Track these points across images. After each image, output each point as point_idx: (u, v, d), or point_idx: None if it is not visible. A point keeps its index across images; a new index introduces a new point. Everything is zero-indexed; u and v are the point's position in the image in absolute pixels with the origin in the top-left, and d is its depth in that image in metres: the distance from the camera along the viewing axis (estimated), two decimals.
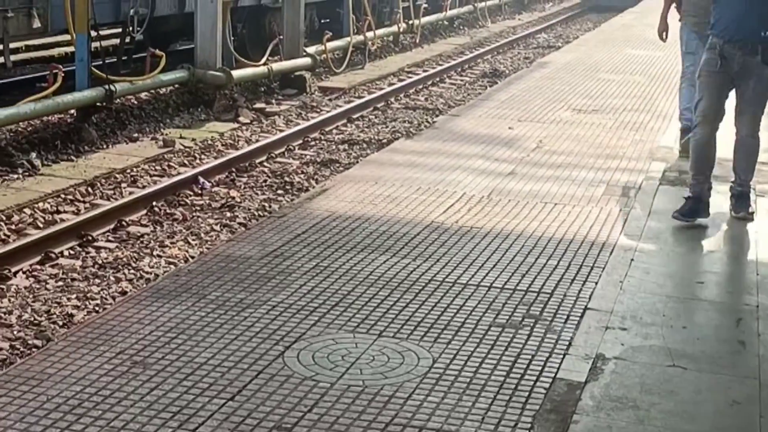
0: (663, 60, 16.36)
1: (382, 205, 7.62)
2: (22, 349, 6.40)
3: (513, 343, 5.24)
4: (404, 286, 5.98)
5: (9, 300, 7.22)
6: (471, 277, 6.18)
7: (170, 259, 8.08)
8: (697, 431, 4.54)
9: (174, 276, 6.03)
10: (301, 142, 12.43)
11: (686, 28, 9.38)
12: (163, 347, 4.97)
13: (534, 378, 4.86)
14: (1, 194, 9.47)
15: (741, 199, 7.56)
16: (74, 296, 7.25)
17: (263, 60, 14.83)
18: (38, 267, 7.94)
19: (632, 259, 6.63)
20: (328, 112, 14.17)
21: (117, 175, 10.47)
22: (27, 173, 10.20)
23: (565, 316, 5.63)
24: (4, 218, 8.88)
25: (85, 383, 4.56)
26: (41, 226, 8.81)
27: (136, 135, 12.06)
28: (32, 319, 6.85)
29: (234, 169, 10.90)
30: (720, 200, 7.68)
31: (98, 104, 11.76)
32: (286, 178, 10.61)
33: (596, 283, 6.16)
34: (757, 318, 5.75)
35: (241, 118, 13.39)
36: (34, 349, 6.34)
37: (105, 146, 11.50)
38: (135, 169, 10.73)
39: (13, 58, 11.83)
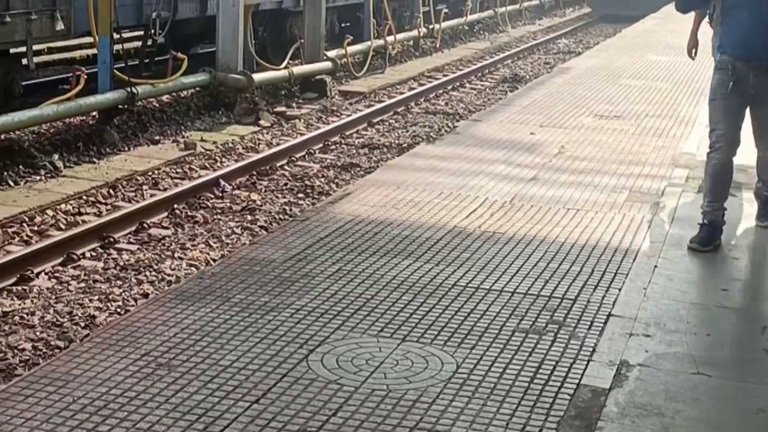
0: (685, 66, 16.29)
1: (404, 210, 7.61)
2: (44, 350, 6.42)
3: (537, 349, 5.23)
4: (427, 290, 5.97)
5: (32, 301, 7.25)
6: (494, 282, 6.16)
7: (191, 262, 8.09)
8: None
9: (198, 278, 6.04)
10: (321, 145, 12.45)
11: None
12: (187, 349, 4.98)
13: (558, 384, 4.84)
14: (23, 195, 9.52)
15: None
16: (96, 298, 7.27)
17: (284, 63, 14.86)
18: (60, 268, 7.97)
19: (656, 266, 6.61)
20: (348, 116, 14.18)
21: (138, 178, 10.50)
22: (49, 175, 10.24)
23: (588, 323, 5.61)
24: (26, 219, 8.92)
25: (110, 384, 4.57)
26: (63, 227, 8.84)
27: (157, 137, 12.10)
28: (54, 320, 6.87)
29: (255, 173, 10.92)
30: (745, 207, 7.64)
31: (120, 106, 11.81)
32: (307, 182, 10.62)
33: (620, 290, 6.14)
34: None
35: (261, 122, 13.42)
36: (56, 350, 6.36)
37: (126, 148, 11.55)
38: (156, 172, 10.76)
39: (35, 60, 11.86)
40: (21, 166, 10.22)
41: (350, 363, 4.95)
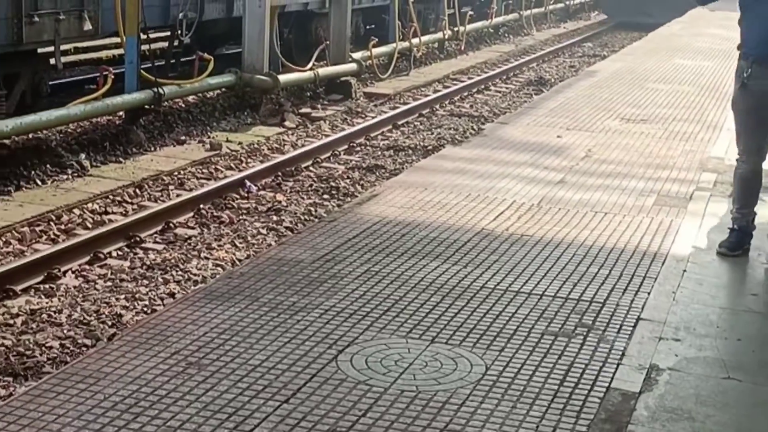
0: (712, 70, 16.25)
1: (431, 212, 7.60)
2: (72, 348, 6.44)
3: (566, 352, 5.21)
4: (456, 292, 5.96)
5: (59, 299, 7.28)
6: (522, 284, 6.15)
7: (217, 262, 8.11)
8: None
9: (227, 278, 6.04)
10: (346, 147, 12.45)
11: None
12: (217, 348, 4.98)
13: (588, 387, 4.82)
14: (51, 194, 9.56)
15: None
16: (123, 297, 7.29)
17: (309, 65, 14.87)
18: (87, 267, 8.00)
19: (684, 270, 6.57)
20: (373, 117, 14.19)
21: (164, 177, 10.53)
22: (76, 174, 10.28)
23: (617, 326, 5.59)
24: (54, 218, 8.96)
25: (141, 383, 4.58)
26: (90, 226, 8.87)
27: (183, 138, 12.13)
28: (82, 318, 6.89)
29: (280, 173, 10.94)
30: None
31: (146, 107, 11.85)
32: (332, 183, 10.62)
33: (648, 294, 6.11)
34: None
35: (287, 123, 13.43)
36: (83, 348, 6.39)
37: (153, 148, 11.58)
38: (182, 172, 10.79)
39: (63, 59, 11.91)
40: (48, 165, 10.26)
41: (379, 364, 4.94)
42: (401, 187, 8.32)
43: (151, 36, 12.26)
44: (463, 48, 21.52)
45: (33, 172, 10.03)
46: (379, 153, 12.24)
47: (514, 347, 5.23)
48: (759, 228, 7.15)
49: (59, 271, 7.75)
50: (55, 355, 6.33)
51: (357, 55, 16.13)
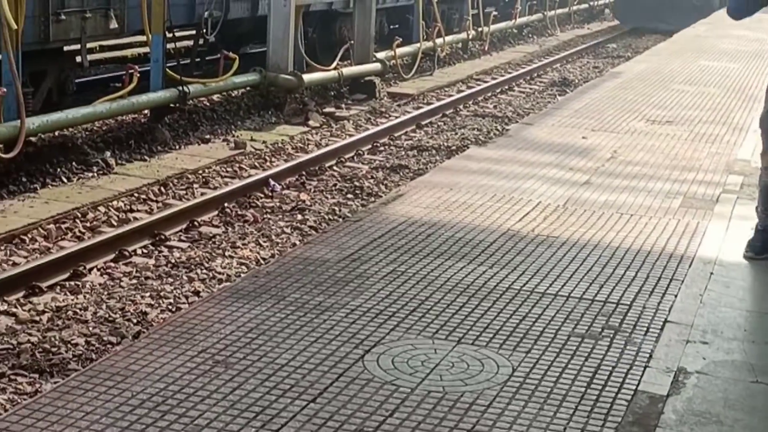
0: (738, 72, 16.16)
1: (457, 212, 7.59)
2: (97, 345, 6.46)
3: (593, 354, 5.18)
4: (482, 293, 5.94)
5: (84, 296, 7.31)
6: (549, 286, 6.12)
7: (242, 261, 8.12)
8: None
9: (252, 277, 6.04)
10: (370, 147, 12.45)
11: None
12: (244, 347, 4.98)
13: (615, 390, 4.80)
14: (76, 192, 9.60)
15: None
16: (148, 294, 7.31)
17: (333, 64, 14.88)
18: (112, 265, 8.03)
19: (711, 273, 6.54)
20: (397, 117, 14.19)
21: (189, 176, 10.56)
22: (101, 172, 10.33)
23: (644, 329, 5.55)
24: (79, 216, 9.00)
25: (168, 381, 4.58)
26: (115, 224, 8.91)
27: (207, 136, 12.17)
28: (107, 315, 6.91)
29: (304, 173, 10.95)
30: None
31: (171, 105, 11.89)
32: (356, 183, 10.63)
33: (675, 296, 6.08)
34: None
35: (311, 122, 13.45)
36: (109, 346, 6.41)
37: (177, 147, 11.62)
38: (207, 170, 10.82)
39: (89, 57, 11.95)
40: (74, 163, 10.31)
41: (406, 364, 4.93)
42: (426, 187, 8.31)
43: (177, 34, 12.29)
44: (486, 48, 21.49)
45: (59, 170, 10.08)
46: (403, 153, 12.23)
47: (540, 349, 5.20)
48: None
49: (84, 268, 7.78)
50: (81, 352, 6.35)
51: (381, 55, 16.13)
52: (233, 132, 12.53)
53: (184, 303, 7.17)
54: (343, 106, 14.80)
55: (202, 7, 13.21)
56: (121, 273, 7.85)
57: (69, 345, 6.43)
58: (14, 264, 7.78)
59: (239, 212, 9.50)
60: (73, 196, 9.46)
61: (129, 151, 11.12)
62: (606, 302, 5.91)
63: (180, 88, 11.75)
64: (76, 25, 10.95)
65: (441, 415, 4.45)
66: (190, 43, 14.46)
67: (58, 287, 7.48)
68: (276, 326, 5.27)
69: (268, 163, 11.37)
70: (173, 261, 8.08)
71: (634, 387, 4.83)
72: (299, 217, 9.31)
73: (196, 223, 9.08)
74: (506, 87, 17.71)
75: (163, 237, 8.63)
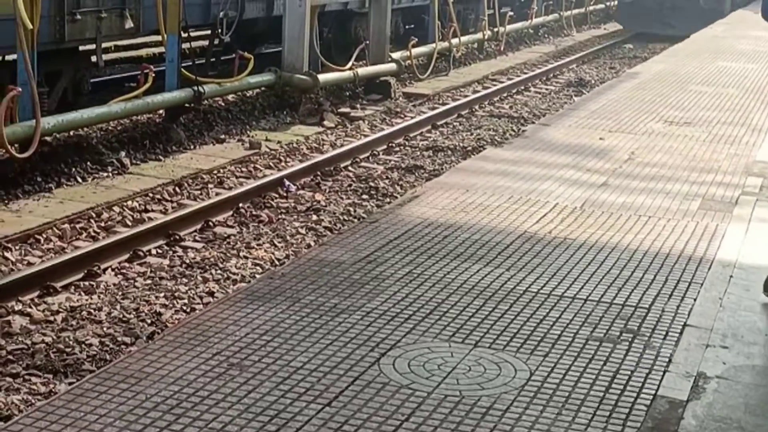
0: (757, 73, 16.06)
1: (473, 213, 7.53)
2: (111, 345, 6.43)
3: (611, 358, 5.12)
4: (499, 296, 5.88)
5: (98, 296, 7.28)
6: (566, 289, 6.06)
7: (257, 261, 8.08)
8: None
9: (268, 279, 6.00)
10: (385, 147, 12.41)
11: None
12: (259, 350, 4.94)
13: (634, 394, 4.74)
14: (91, 192, 9.58)
15: None
16: (162, 295, 7.28)
17: (349, 65, 14.84)
18: (127, 265, 8.00)
19: (731, 276, 6.46)
20: (412, 118, 14.14)
21: (204, 176, 10.53)
22: (116, 172, 10.31)
23: (663, 332, 5.49)
24: (94, 216, 8.98)
25: (182, 383, 4.54)
26: (130, 224, 8.88)
27: (222, 136, 12.14)
28: (121, 316, 6.88)
29: (319, 173, 10.91)
30: None
31: (186, 105, 11.86)
32: (371, 183, 10.58)
33: (695, 300, 6.01)
34: None
35: (326, 122, 13.41)
36: (123, 346, 6.38)
37: (192, 147, 11.59)
38: (221, 171, 10.79)
39: (104, 57, 11.94)
40: (89, 163, 10.29)
41: (422, 368, 4.88)
42: (442, 188, 8.25)
43: (192, 35, 12.26)
44: (502, 48, 21.42)
45: (74, 170, 10.06)
46: (418, 153, 12.18)
47: (558, 352, 5.15)
48: None
49: (99, 268, 7.75)
50: (95, 352, 6.32)
51: (396, 55, 16.09)
52: (248, 132, 12.49)
53: (198, 304, 7.13)
54: (358, 106, 14.76)
55: (218, 7, 13.19)
56: (135, 273, 7.82)
57: (83, 345, 6.40)
58: (29, 264, 7.76)
59: (254, 212, 9.46)
60: (87, 196, 9.44)
61: (144, 151, 11.10)
62: (624, 305, 5.85)
63: (195, 88, 11.72)
64: (92, 24, 10.94)
65: (458, 419, 4.39)
66: (206, 43, 14.46)
67: (73, 287, 7.45)
68: (291, 328, 5.22)
69: (282, 164, 11.33)
70: (188, 261, 8.05)
71: (653, 392, 4.77)
72: (314, 217, 9.27)
73: (210, 223, 9.05)
74: (522, 87, 17.64)
75: (177, 237, 8.60)
